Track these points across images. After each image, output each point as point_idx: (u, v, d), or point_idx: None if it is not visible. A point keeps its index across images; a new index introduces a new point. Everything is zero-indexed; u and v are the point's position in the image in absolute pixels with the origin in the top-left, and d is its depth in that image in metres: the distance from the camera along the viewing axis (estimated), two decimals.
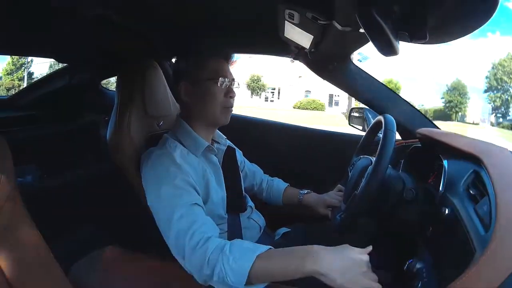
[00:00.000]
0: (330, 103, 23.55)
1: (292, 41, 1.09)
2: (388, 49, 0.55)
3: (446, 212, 0.66)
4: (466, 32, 0.54)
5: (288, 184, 1.22)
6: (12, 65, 20.02)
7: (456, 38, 0.58)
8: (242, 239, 0.94)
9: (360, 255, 0.66)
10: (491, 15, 0.45)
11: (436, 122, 1.36)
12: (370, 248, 0.67)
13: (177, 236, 0.74)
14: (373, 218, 0.91)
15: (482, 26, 0.49)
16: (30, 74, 20.18)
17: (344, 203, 0.94)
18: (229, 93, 0.92)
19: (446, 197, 0.71)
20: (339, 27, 0.77)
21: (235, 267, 0.67)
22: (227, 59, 0.95)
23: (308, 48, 1.09)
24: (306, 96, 23.76)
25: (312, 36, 0.95)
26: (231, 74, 0.94)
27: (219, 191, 0.94)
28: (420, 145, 1.08)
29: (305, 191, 1.15)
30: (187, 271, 0.73)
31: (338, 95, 23.05)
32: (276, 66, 21.98)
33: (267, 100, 24.47)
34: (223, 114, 0.93)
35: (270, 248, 0.71)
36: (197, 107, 0.92)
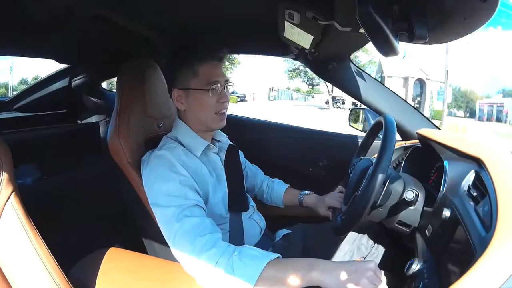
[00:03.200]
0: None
1: (292, 41, 1.09)
2: (388, 50, 0.55)
3: (447, 213, 0.66)
4: (466, 32, 0.54)
5: (288, 185, 1.22)
6: None
7: (457, 38, 0.58)
8: (243, 239, 0.93)
9: (365, 263, 0.66)
10: (492, 15, 0.45)
11: None
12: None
13: (180, 238, 0.74)
14: (373, 219, 0.90)
15: (483, 26, 0.48)
16: None
17: (345, 204, 0.94)
18: (221, 99, 0.89)
19: (447, 197, 0.71)
20: (339, 27, 0.77)
21: (245, 273, 0.67)
22: (221, 60, 0.91)
23: (308, 48, 1.09)
24: None
25: (312, 37, 0.95)
26: (223, 76, 0.90)
27: (220, 190, 0.93)
28: (420, 145, 1.08)
29: (306, 192, 1.15)
30: (189, 272, 0.73)
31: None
32: None
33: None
34: (217, 120, 0.91)
35: (279, 256, 0.71)
36: (191, 114, 0.91)
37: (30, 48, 1.30)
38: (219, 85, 0.88)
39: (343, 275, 0.64)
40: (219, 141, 1.03)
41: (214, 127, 0.93)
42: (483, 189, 0.62)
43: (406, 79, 24.93)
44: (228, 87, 0.93)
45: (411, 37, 0.54)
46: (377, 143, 0.89)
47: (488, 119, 24.92)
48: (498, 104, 25.29)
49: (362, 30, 0.71)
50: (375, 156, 0.81)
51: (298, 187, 1.20)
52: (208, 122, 0.91)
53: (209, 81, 0.87)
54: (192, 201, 0.79)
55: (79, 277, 0.77)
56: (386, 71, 25.34)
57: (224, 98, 0.90)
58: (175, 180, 0.80)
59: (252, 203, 1.08)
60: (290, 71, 28.61)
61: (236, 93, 25.49)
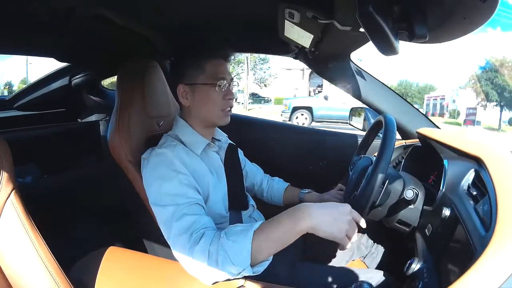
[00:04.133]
0: None
1: (292, 40, 1.09)
2: (388, 49, 0.55)
3: (447, 212, 0.66)
4: (466, 32, 0.54)
5: (288, 183, 1.22)
6: None
7: (456, 38, 0.58)
8: None
9: (343, 206, 0.70)
10: (491, 15, 0.45)
11: None
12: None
13: (178, 236, 0.74)
14: (373, 218, 0.90)
15: (482, 26, 0.49)
16: None
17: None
18: (227, 96, 0.91)
19: (447, 197, 0.71)
20: (339, 26, 0.77)
21: (236, 249, 0.68)
22: (226, 58, 0.93)
23: (308, 47, 1.09)
24: None
25: (312, 35, 0.95)
26: (229, 73, 0.92)
27: (221, 188, 0.93)
28: (420, 145, 1.08)
29: (306, 191, 1.15)
30: (192, 274, 0.73)
31: None
32: None
33: None
34: (223, 117, 0.92)
35: (262, 222, 0.73)
36: (196, 110, 0.92)
37: (31, 46, 1.30)
38: (225, 81, 0.90)
39: (326, 217, 0.68)
40: (218, 140, 1.03)
41: (219, 123, 0.94)
42: (482, 188, 0.62)
43: (302, 70, 25.28)
44: (233, 85, 0.94)
45: (411, 36, 0.54)
46: (377, 142, 0.89)
47: (433, 114, 24.55)
48: (441, 97, 24.99)
49: (362, 29, 0.71)
50: (376, 154, 0.81)
51: (298, 186, 1.20)
52: (214, 118, 0.92)
53: (216, 77, 0.88)
54: (192, 199, 0.79)
55: (79, 277, 0.77)
56: (285, 64, 25.24)
57: (230, 95, 0.91)
58: (175, 179, 0.80)
59: (252, 202, 1.08)
60: None
61: None
